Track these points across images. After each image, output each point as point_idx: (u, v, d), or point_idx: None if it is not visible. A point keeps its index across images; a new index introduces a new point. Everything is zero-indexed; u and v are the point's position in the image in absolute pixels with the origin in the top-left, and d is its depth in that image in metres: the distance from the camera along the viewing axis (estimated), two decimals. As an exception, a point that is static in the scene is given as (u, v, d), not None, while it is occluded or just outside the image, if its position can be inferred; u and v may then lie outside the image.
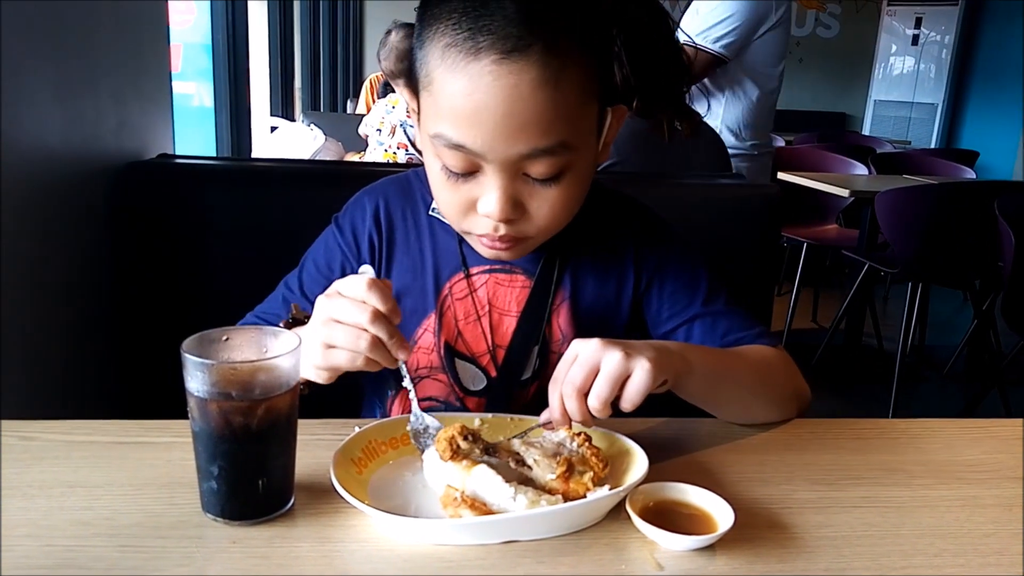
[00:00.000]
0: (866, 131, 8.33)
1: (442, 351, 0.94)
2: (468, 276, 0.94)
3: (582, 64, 0.75)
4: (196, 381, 0.62)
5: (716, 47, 2.47)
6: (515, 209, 0.79)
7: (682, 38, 2.56)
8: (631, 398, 0.70)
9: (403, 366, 0.76)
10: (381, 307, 0.71)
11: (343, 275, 0.94)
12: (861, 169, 4.09)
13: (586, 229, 0.92)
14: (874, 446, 0.85)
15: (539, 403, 0.94)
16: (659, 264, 0.96)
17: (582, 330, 0.94)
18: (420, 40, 0.77)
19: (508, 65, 0.71)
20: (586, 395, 0.70)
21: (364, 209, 0.98)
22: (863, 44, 8.58)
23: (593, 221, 0.93)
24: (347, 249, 0.97)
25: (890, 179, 3.71)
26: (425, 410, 0.96)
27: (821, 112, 8.56)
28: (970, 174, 4.07)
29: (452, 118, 0.74)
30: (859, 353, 3.70)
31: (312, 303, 0.93)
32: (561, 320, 0.95)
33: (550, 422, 0.73)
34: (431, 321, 0.95)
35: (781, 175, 3.71)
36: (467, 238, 0.88)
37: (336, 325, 0.72)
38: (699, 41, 2.47)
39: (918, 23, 8.30)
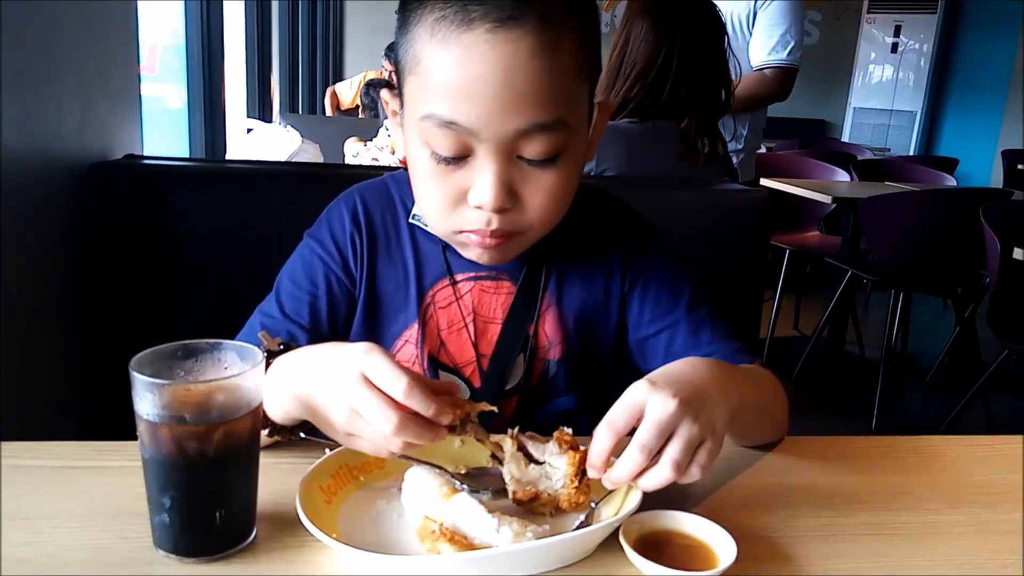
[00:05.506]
0: (845, 138, 8.37)
1: (425, 363, 0.89)
2: (454, 283, 0.89)
3: (576, 35, 0.72)
4: (146, 403, 0.55)
5: (790, 59, 2.49)
6: (509, 196, 0.74)
7: (758, 61, 2.52)
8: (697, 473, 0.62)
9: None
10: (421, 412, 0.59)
11: (328, 288, 0.89)
12: (843, 176, 4.09)
13: (571, 231, 0.88)
14: (877, 466, 0.81)
15: (519, 418, 0.89)
16: (644, 265, 0.92)
17: (569, 336, 0.90)
18: (405, 26, 0.73)
19: (504, 33, 0.67)
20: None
21: (342, 214, 0.92)
22: (843, 51, 8.62)
23: (578, 223, 0.89)
24: (329, 258, 0.90)
25: (872, 186, 3.71)
26: None
27: (801, 119, 8.58)
28: (951, 181, 4.08)
29: (444, 93, 0.70)
30: (841, 361, 3.69)
31: (297, 325, 0.86)
32: (547, 326, 0.90)
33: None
34: (413, 332, 0.90)
35: (764, 181, 3.69)
36: (452, 241, 0.82)
37: (359, 419, 0.60)
38: (773, 59, 2.48)
39: (897, 31, 8.35)
